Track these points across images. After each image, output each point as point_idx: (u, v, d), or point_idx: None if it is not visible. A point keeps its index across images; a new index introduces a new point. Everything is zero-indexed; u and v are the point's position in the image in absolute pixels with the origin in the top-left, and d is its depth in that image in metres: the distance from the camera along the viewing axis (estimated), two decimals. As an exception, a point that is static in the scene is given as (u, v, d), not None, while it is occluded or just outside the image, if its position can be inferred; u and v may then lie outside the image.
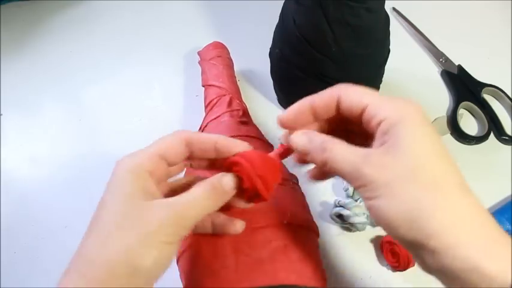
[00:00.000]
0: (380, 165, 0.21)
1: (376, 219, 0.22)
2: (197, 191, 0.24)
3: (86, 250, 0.22)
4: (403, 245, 0.22)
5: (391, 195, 0.21)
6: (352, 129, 0.26)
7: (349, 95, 0.24)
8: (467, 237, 0.19)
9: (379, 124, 0.22)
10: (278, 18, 0.43)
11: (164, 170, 0.25)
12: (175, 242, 0.23)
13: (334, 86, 0.25)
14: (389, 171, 0.21)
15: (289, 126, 0.26)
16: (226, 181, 0.25)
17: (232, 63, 0.47)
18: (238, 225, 0.28)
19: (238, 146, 0.26)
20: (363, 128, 0.24)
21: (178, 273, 0.30)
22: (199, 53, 0.48)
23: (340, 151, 0.23)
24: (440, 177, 0.21)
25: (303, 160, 0.27)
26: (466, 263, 0.19)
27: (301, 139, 0.25)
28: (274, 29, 0.44)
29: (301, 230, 0.30)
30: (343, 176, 0.23)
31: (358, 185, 0.22)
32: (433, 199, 0.20)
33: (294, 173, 0.37)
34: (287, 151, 0.27)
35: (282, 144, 0.27)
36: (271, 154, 0.27)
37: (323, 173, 0.27)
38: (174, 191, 0.27)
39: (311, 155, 0.24)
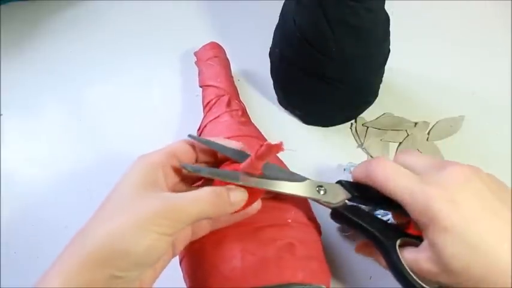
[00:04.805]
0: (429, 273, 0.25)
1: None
2: (200, 193, 0.25)
3: (88, 228, 0.23)
4: None
5: None
6: None
7: (383, 185, 0.27)
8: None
9: (415, 221, 0.26)
10: (278, 18, 0.43)
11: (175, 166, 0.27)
12: (170, 234, 0.23)
13: (367, 164, 0.29)
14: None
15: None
16: (235, 195, 0.26)
17: (229, 64, 0.47)
18: (255, 206, 0.28)
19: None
20: None
21: (180, 273, 0.30)
22: (195, 54, 0.48)
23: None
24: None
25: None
26: None
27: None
28: (274, 29, 0.44)
29: (305, 228, 0.30)
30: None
31: None
32: None
33: (297, 173, 0.37)
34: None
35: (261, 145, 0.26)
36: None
37: (369, 250, 0.31)
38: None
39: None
